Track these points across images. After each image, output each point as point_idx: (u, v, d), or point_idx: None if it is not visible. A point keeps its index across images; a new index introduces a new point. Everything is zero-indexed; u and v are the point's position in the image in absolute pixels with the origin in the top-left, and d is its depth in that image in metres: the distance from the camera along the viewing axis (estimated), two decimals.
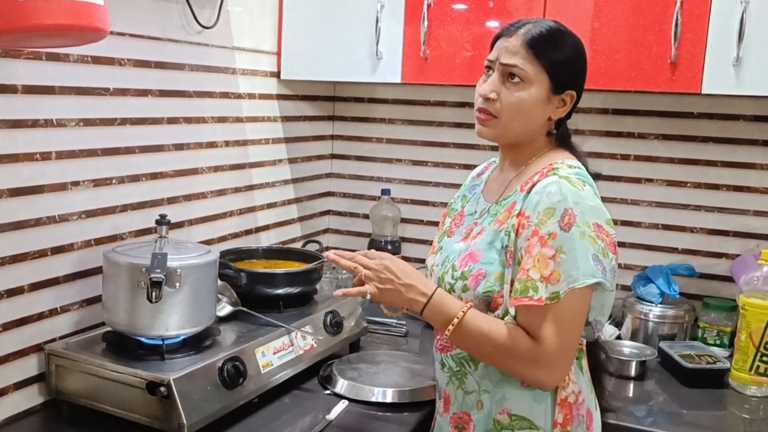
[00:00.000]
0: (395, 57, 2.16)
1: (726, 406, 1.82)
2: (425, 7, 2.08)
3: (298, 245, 2.50)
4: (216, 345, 1.60)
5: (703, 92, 1.84)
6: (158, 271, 1.44)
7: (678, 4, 1.82)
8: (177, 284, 1.49)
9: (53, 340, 1.60)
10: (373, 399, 1.67)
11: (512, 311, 1.30)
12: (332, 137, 2.72)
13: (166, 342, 1.52)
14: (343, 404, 1.65)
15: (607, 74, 1.94)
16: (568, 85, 1.37)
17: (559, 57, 1.35)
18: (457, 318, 1.31)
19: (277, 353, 1.67)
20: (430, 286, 1.36)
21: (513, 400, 1.35)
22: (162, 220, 1.60)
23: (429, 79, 2.15)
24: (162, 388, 1.39)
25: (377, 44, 2.16)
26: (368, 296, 1.35)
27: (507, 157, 1.46)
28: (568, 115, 1.42)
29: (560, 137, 1.43)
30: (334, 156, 2.73)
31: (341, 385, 1.71)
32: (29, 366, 1.56)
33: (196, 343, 1.57)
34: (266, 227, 2.37)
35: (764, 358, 1.83)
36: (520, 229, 1.30)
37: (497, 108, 1.36)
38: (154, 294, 1.43)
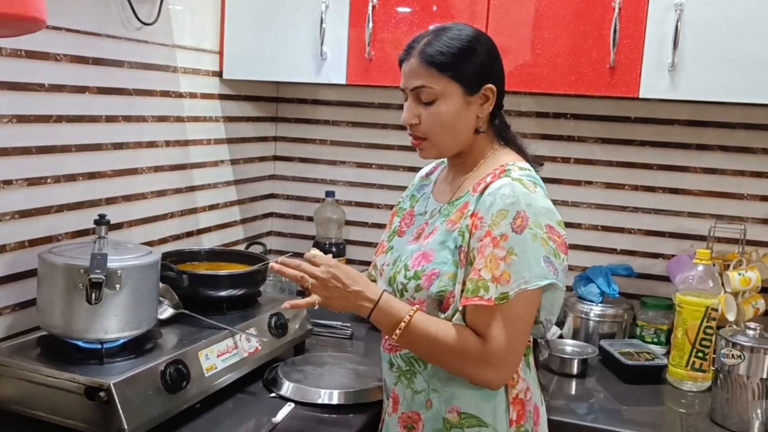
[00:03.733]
0: (340, 58, 2.15)
1: (663, 401, 1.87)
2: (370, 8, 2.09)
3: (240, 248, 2.46)
4: (157, 348, 1.55)
5: (640, 96, 1.89)
6: (98, 271, 1.39)
7: (617, 10, 1.87)
8: (117, 286, 1.44)
9: None
10: (320, 401, 1.65)
11: (462, 310, 1.30)
12: (275, 139, 2.69)
13: (105, 346, 1.47)
14: (289, 407, 1.62)
15: (548, 78, 1.97)
16: (483, 81, 1.36)
17: (463, 62, 1.34)
18: (404, 322, 1.31)
19: (220, 356, 1.63)
20: (376, 290, 1.35)
21: (462, 398, 1.35)
22: (101, 220, 1.55)
23: (374, 80, 2.15)
24: (102, 393, 1.34)
25: (322, 45, 2.15)
26: (316, 306, 1.35)
27: (454, 163, 1.47)
28: (500, 106, 1.41)
29: (500, 134, 1.43)
30: (277, 158, 2.71)
31: (287, 388, 1.69)
32: None
33: (137, 347, 1.53)
34: (208, 229, 2.32)
35: (699, 354, 1.88)
36: (474, 230, 1.31)
37: (422, 131, 1.38)
38: (93, 295, 1.39)
